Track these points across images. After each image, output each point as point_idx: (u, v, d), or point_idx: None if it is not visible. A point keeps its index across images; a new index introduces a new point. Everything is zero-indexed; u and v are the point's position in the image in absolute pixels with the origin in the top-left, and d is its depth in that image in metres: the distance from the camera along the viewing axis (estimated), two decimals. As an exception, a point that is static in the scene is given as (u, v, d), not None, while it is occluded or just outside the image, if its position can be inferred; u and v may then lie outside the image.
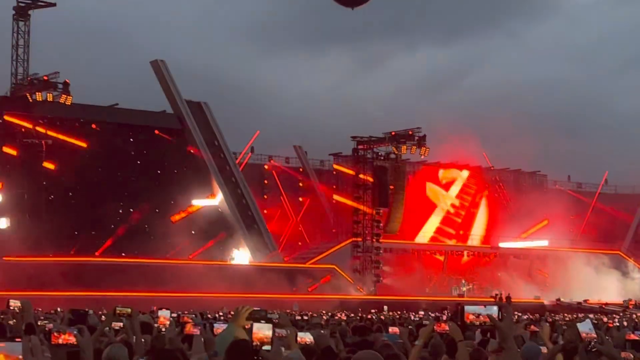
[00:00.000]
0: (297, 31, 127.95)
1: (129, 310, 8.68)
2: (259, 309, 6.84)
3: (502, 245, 71.55)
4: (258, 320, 6.22)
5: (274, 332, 5.69)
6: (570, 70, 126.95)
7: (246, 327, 7.65)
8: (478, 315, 5.25)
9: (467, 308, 5.26)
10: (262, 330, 5.61)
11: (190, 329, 7.26)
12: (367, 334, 14.25)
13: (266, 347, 5.63)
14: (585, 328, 6.32)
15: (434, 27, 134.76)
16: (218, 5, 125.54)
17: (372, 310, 45.62)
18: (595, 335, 6.16)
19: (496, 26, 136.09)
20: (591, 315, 45.47)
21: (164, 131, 61.77)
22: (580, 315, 46.69)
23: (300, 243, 68.54)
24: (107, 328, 9.26)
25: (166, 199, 60.29)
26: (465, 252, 72.99)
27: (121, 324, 9.15)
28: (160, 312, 10.04)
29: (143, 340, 8.74)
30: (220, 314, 30.64)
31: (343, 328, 15.13)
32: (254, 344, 5.61)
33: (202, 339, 7.74)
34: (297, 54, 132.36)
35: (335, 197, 68.43)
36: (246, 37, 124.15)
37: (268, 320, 5.65)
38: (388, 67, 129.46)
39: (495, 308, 5.24)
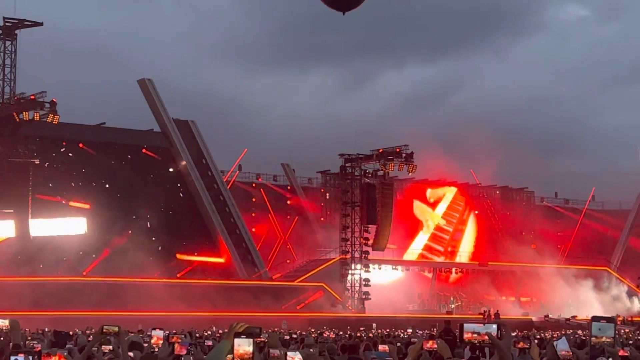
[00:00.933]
0: (283, 50, 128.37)
1: (117, 328, 8.57)
2: (253, 326, 6.79)
3: (490, 262, 71.56)
4: (252, 337, 6.19)
5: (255, 347, 5.59)
6: (555, 87, 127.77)
7: None
8: (478, 334, 5.23)
9: (466, 326, 5.25)
10: (243, 346, 5.52)
11: (179, 349, 7.21)
12: (356, 352, 14.25)
13: None
14: (563, 346, 6.36)
15: (420, 44, 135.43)
16: (204, 24, 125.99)
17: (361, 328, 45.51)
18: (571, 353, 6.20)
19: (482, 43, 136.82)
20: (580, 332, 45.53)
21: (151, 150, 61.74)
22: (568, 331, 46.71)
23: (288, 261, 68.43)
24: (95, 348, 9.19)
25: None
26: (453, 269, 73.01)
27: (110, 347, 9.07)
28: (154, 332, 9.96)
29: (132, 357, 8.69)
30: (209, 332, 30.50)
31: (331, 346, 15.10)
32: None
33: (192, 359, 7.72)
34: (284, 73, 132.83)
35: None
36: (233, 56, 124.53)
37: (250, 336, 5.57)
38: (375, 85, 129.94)
39: (494, 326, 5.23)
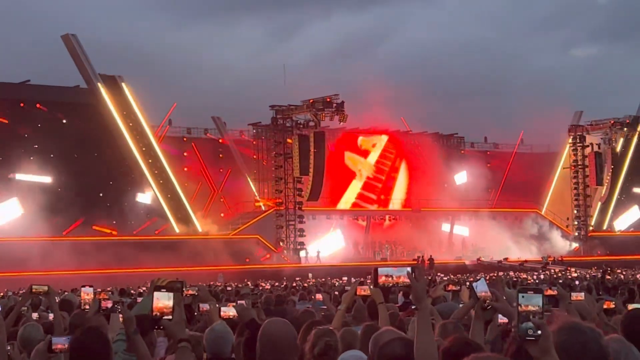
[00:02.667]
0: (209, 1, 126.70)
1: (46, 288, 8.49)
2: (175, 280, 6.72)
3: (423, 208, 72.33)
4: (174, 291, 6.12)
5: (177, 300, 5.50)
6: (484, 32, 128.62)
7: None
8: (391, 277, 5.26)
9: (380, 270, 5.27)
10: (162, 300, 5.43)
11: (104, 304, 7.11)
12: (283, 304, 14.45)
13: (167, 317, 5.46)
14: (482, 287, 6.45)
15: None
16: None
17: (297, 279, 45.77)
18: (490, 294, 6.29)
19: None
20: (512, 273, 46.47)
21: (78, 106, 60.70)
22: (500, 273, 47.62)
23: (222, 214, 68.28)
24: (25, 308, 9.09)
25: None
26: (387, 217, 73.68)
27: (38, 315, 8.93)
28: (83, 289, 9.85)
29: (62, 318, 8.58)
30: (144, 289, 30.30)
31: (269, 298, 15.21)
32: (154, 314, 5.44)
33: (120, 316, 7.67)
34: (211, 24, 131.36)
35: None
36: (159, 9, 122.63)
37: (172, 290, 5.48)
38: (303, 35, 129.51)
39: (408, 269, 5.25)
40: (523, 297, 4.16)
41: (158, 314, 5.34)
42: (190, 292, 9.48)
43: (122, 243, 54.35)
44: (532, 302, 4.13)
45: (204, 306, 8.32)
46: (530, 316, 4.12)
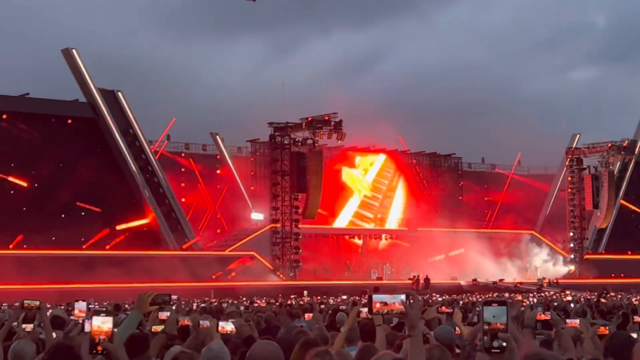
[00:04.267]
0: (209, 17, 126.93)
1: (37, 302, 8.36)
2: (162, 293, 6.67)
3: (420, 228, 72.28)
4: (161, 305, 6.07)
5: (116, 324, 5.32)
6: (480, 53, 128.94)
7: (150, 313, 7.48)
8: (385, 303, 5.23)
9: (374, 297, 5.23)
10: (102, 324, 5.21)
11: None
12: (277, 321, 14.41)
13: (107, 342, 5.27)
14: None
15: (347, 11, 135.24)
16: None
17: (292, 296, 45.66)
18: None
19: (406, 9, 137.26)
20: (506, 294, 46.40)
21: (77, 121, 60.81)
22: (495, 294, 47.56)
23: (219, 230, 68.22)
24: (16, 323, 9.01)
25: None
26: (383, 236, 73.62)
27: (31, 325, 8.84)
28: (76, 304, 9.70)
29: (55, 336, 8.51)
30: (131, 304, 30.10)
31: (269, 315, 15.23)
32: (95, 338, 5.22)
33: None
34: (210, 41, 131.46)
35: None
36: (158, 24, 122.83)
37: (160, 303, 5.36)
38: (302, 53, 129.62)
39: (402, 296, 5.22)
40: (493, 315, 4.18)
41: (99, 338, 5.17)
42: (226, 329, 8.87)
43: (114, 257, 54.30)
44: (500, 320, 4.15)
45: (204, 323, 8.25)
46: (498, 333, 4.16)
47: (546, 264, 73.70)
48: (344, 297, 42.13)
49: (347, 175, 74.88)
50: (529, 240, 75.14)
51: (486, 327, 4.19)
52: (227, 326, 8.36)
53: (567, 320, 9.21)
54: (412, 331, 5.36)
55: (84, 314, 9.40)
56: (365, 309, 9.02)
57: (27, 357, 7.59)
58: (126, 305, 28.57)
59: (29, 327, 9.23)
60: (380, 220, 75.48)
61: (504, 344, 4.17)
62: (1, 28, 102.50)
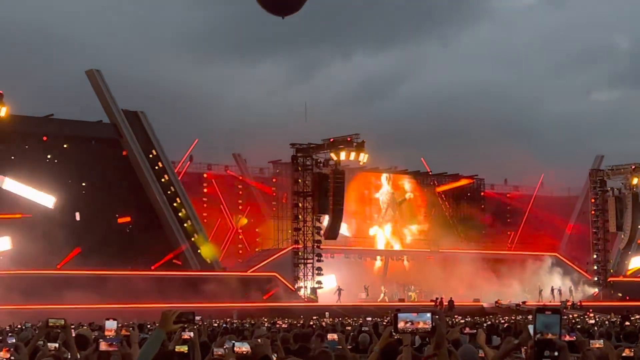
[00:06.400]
0: (232, 40, 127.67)
1: (62, 321, 8.38)
2: (186, 312, 6.69)
3: (442, 249, 72.00)
4: (185, 323, 6.10)
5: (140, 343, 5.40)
6: (502, 76, 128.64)
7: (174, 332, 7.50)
8: (411, 322, 5.23)
9: (400, 315, 5.23)
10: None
11: (103, 345, 7.07)
12: (307, 341, 14.28)
13: None
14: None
15: (368, 34, 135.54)
16: (153, 14, 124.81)
17: (314, 317, 45.52)
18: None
19: (429, 33, 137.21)
20: (530, 317, 46.02)
21: (101, 141, 61.21)
22: (518, 317, 47.18)
23: (241, 251, 68.28)
24: (41, 342, 9.06)
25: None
26: (405, 257, 73.38)
27: (56, 345, 8.86)
28: (107, 324, 9.66)
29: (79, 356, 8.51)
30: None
31: (285, 336, 15.13)
32: None
33: (120, 354, 7.65)
34: (233, 63, 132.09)
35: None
36: (182, 46, 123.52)
37: (184, 322, 5.41)
38: (324, 75, 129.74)
39: (428, 315, 5.22)
40: (545, 325, 4.06)
41: None
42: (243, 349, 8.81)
43: (143, 277, 54.33)
44: (552, 330, 4.03)
45: (218, 351, 8.26)
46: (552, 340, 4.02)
47: (569, 285, 73.12)
48: (368, 318, 41.94)
49: (369, 196, 74.73)
50: (551, 262, 74.63)
51: (538, 336, 4.06)
52: (243, 346, 8.36)
53: (591, 341, 9.15)
54: (438, 349, 5.36)
55: (113, 333, 9.38)
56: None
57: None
58: (148, 325, 28.62)
59: (52, 345, 9.26)
60: (402, 241, 75.24)
61: (556, 354, 4.04)
62: (26, 49, 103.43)
